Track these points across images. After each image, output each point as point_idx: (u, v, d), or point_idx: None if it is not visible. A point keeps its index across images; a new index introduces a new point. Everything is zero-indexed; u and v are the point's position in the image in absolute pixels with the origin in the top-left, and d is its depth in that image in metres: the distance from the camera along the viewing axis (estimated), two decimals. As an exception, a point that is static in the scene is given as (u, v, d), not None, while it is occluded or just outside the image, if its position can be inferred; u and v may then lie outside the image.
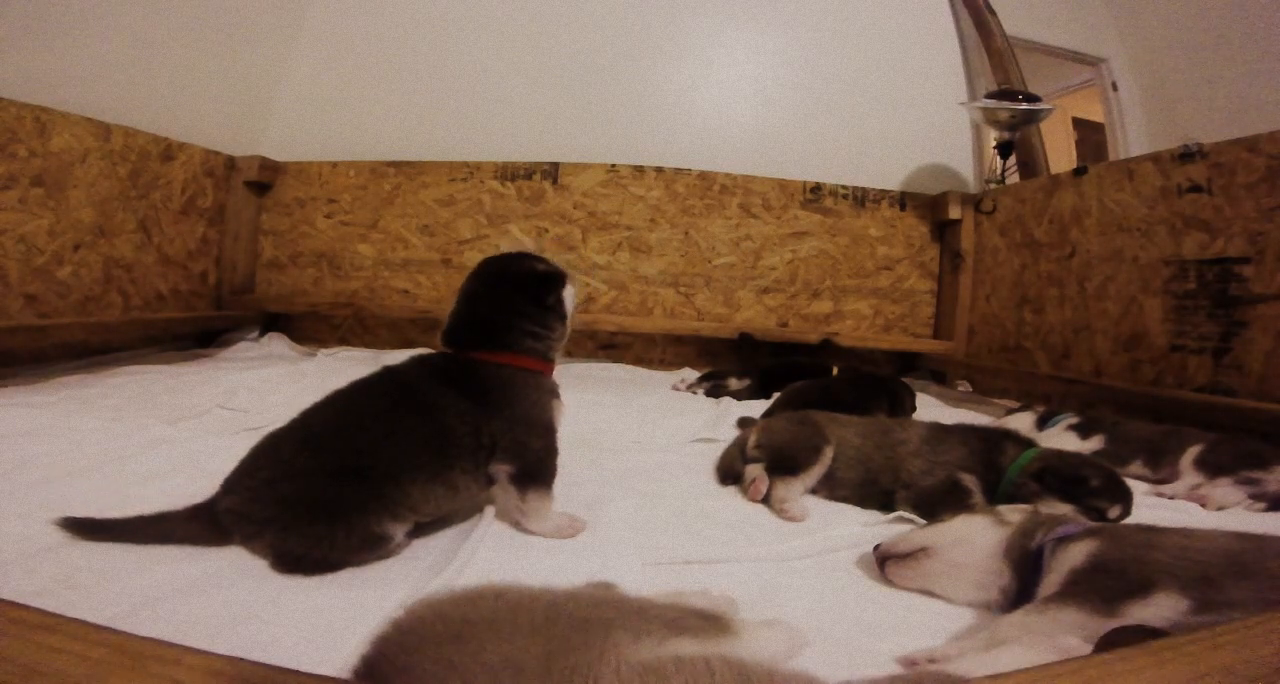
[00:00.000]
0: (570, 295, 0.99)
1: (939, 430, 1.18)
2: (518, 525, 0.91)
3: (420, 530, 0.88)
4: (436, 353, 0.95)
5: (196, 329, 2.60)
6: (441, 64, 2.95)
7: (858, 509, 1.13)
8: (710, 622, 0.54)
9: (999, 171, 2.75)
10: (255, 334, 2.70)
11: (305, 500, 0.75)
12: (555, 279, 0.95)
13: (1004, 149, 2.71)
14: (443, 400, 0.86)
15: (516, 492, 0.89)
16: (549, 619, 0.45)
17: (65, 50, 1.99)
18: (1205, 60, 3.03)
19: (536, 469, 0.90)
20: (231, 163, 2.69)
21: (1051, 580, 0.68)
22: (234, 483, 0.78)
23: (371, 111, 2.95)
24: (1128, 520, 0.99)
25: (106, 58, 2.13)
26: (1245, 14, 2.82)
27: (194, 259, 2.56)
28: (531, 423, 0.91)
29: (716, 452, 1.36)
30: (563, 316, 0.97)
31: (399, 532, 0.80)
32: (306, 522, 0.74)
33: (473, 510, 0.96)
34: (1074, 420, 1.59)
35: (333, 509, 0.75)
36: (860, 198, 2.82)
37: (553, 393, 0.95)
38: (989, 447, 1.11)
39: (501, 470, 0.88)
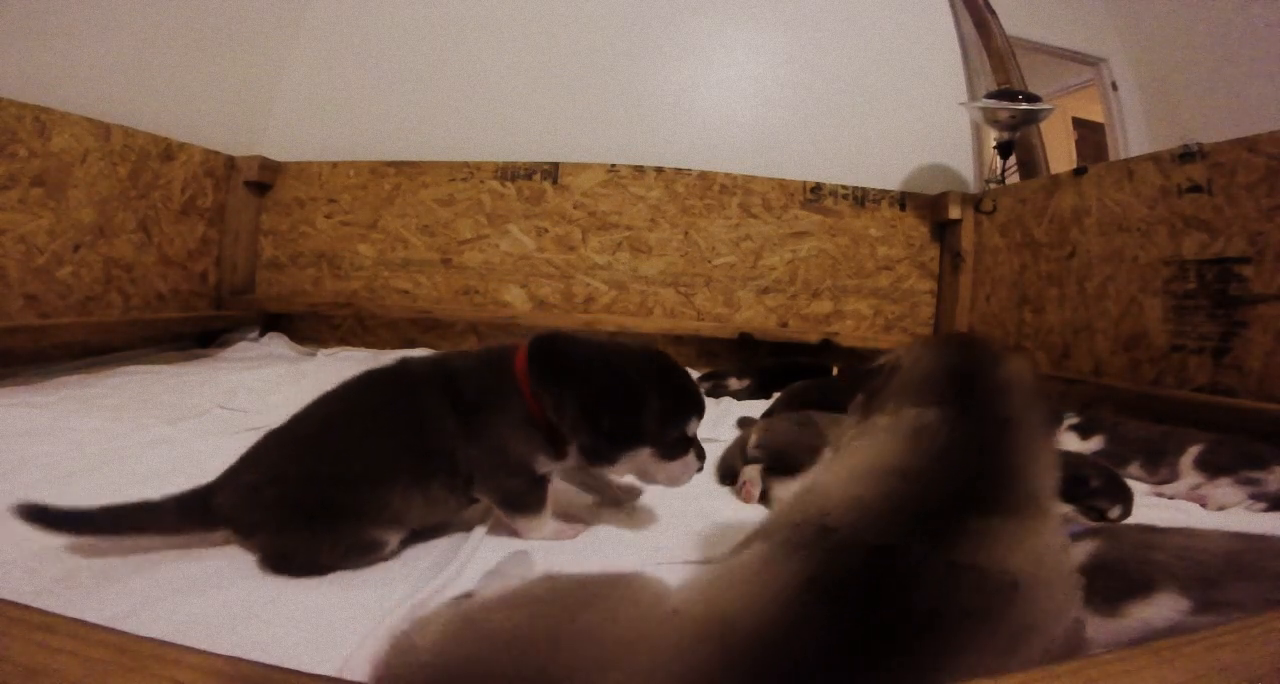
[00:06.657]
0: (633, 458, 0.84)
1: (939, 430, 1.18)
2: (517, 533, 0.91)
3: (421, 532, 0.88)
4: (458, 352, 0.91)
5: (196, 329, 2.60)
6: (441, 64, 2.95)
7: (858, 509, 1.13)
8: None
9: (999, 171, 2.74)
10: (255, 334, 2.70)
11: (291, 505, 0.73)
12: (639, 426, 0.81)
13: (1004, 149, 2.70)
14: (434, 411, 0.81)
15: (505, 516, 0.88)
16: (551, 591, 0.47)
17: (65, 50, 1.98)
18: (1205, 60, 3.03)
19: (517, 503, 0.86)
20: (231, 163, 2.69)
21: (1051, 580, 0.68)
22: (225, 482, 0.77)
23: (371, 111, 2.95)
24: (1128, 520, 0.99)
25: (106, 58, 2.13)
26: (1245, 14, 2.82)
27: (194, 259, 2.55)
28: (507, 458, 0.83)
29: (716, 452, 1.36)
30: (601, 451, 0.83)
31: (393, 538, 0.79)
32: (295, 526, 0.73)
33: (462, 522, 0.93)
34: (1074, 420, 1.59)
35: (319, 515, 0.73)
36: (860, 198, 2.82)
37: (540, 447, 0.84)
38: (989, 447, 1.11)
39: (483, 497, 0.87)
